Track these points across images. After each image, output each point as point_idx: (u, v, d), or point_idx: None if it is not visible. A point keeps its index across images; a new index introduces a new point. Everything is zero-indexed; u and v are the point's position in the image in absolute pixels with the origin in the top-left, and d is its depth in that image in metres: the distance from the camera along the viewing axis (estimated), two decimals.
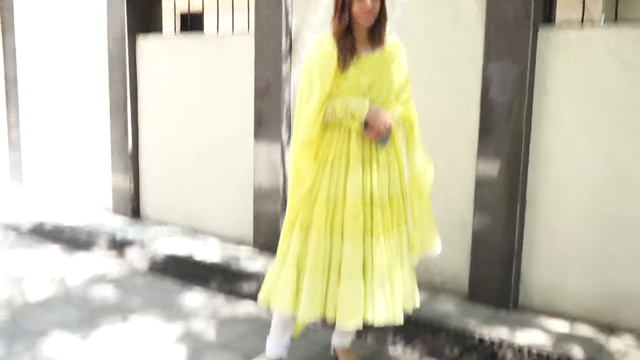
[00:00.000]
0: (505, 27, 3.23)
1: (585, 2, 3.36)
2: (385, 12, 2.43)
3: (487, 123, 3.34)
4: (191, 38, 4.80)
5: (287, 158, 4.28)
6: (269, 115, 4.28)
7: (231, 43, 4.55)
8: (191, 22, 5.09)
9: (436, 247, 2.59)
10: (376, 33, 2.43)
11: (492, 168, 3.33)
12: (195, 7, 5.31)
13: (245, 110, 4.49)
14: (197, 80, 4.77)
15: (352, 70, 2.38)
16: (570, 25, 3.20)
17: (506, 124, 3.27)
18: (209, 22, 5.58)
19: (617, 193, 3.09)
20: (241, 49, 4.46)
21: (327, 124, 2.40)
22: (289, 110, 4.27)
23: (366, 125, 2.37)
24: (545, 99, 3.24)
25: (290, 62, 4.21)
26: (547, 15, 3.32)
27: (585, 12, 3.45)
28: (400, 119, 2.47)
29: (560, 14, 4.83)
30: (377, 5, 2.38)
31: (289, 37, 4.17)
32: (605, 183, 3.11)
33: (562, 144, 3.22)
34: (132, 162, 5.28)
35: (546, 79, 3.22)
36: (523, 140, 3.25)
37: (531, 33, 3.17)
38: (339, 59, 2.37)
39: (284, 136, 4.27)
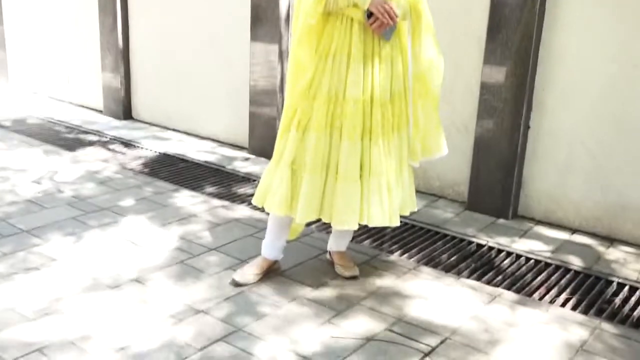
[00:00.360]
0: None
1: None
2: None
3: (496, 21, 3.14)
4: None
5: (285, 59, 4.09)
6: (266, 11, 4.04)
7: None
8: None
9: (442, 149, 2.48)
10: None
11: (499, 70, 3.17)
12: None
13: (242, 4, 4.24)
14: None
15: None
16: None
17: (517, 23, 3.08)
18: None
19: (625, 94, 2.96)
20: None
21: (328, 13, 2.25)
22: (288, 5, 4.02)
23: (369, 15, 2.22)
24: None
25: None
26: None
27: None
28: (406, 8, 2.30)
29: None
30: None
31: None
32: (612, 84, 2.98)
33: (571, 45, 3.05)
34: (122, 59, 5.07)
35: None
36: (533, 41, 3.07)
37: None
38: None
39: (284, 35, 4.05)
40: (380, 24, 2.22)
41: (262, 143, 4.28)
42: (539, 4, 3.02)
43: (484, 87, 3.24)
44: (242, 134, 4.49)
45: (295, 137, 2.30)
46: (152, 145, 4.51)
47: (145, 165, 4.07)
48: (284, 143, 2.35)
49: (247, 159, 4.27)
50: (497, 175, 3.29)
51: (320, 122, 2.26)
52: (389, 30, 2.24)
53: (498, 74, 3.17)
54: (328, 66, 2.27)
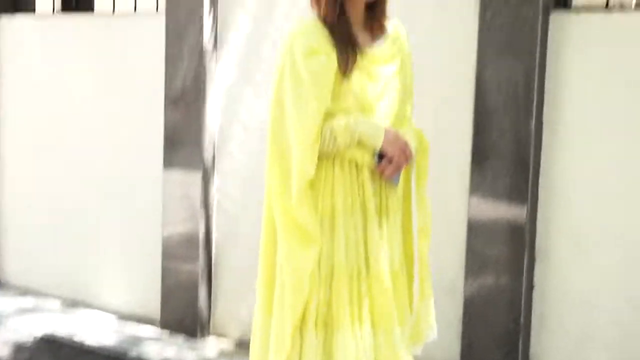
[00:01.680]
0: (505, 13, 3.57)
1: None
2: None
3: (482, 146, 3.64)
4: (76, 19, 5.09)
5: (211, 193, 4.55)
6: (186, 132, 4.53)
7: (132, 27, 4.84)
8: None
9: (433, 328, 2.82)
10: (377, 14, 2.59)
11: (490, 208, 3.63)
12: None
13: (152, 124, 4.70)
14: (83, 79, 5.03)
15: (356, 74, 2.51)
16: (592, 9, 3.56)
17: (508, 148, 3.58)
18: None
19: None
20: (146, 36, 4.74)
21: (321, 155, 2.48)
22: (214, 125, 4.54)
23: (381, 157, 2.52)
24: (561, 112, 3.56)
25: (217, 57, 4.50)
26: None
27: None
28: (417, 144, 2.67)
29: None
30: None
31: (214, 21, 4.48)
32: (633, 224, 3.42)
33: (584, 174, 3.53)
34: None
35: (561, 82, 3.54)
36: (531, 170, 3.55)
37: (540, 20, 3.51)
38: (339, 56, 2.48)
39: (207, 162, 4.53)
40: (395, 168, 2.53)
41: (179, 314, 4.58)
42: (535, 119, 3.56)
43: (472, 229, 3.69)
44: (151, 302, 4.77)
45: (318, 344, 2.45)
46: (27, 323, 4.72)
47: (16, 352, 4.29)
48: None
49: (158, 339, 4.52)
50: (495, 354, 3.64)
51: (346, 314, 2.45)
52: (398, 174, 2.57)
53: (489, 212, 3.63)
54: (339, 231, 2.49)
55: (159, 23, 4.64)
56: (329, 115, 2.47)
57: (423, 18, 3.83)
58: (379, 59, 2.58)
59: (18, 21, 5.34)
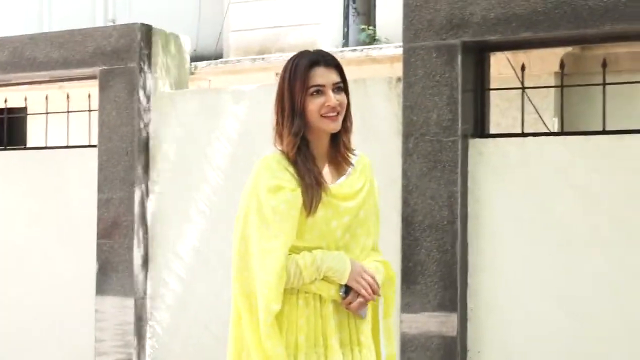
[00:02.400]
0: (427, 140, 3.77)
1: (525, 111, 3.98)
2: (350, 110, 2.58)
3: (410, 267, 3.78)
4: (8, 155, 5.13)
5: (144, 319, 4.55)
6: (119, 261, 4.58)
7: (65, 159, 4.92)
8: (9, 126, 5.45)
9: None
10: (340, 146, 2.58)
11: (421, 325, 3.73)
12: (16, 103, 5.67)
13: (85, 254, 4.75)
14: (15, 213, 5.06)
15: (321, 210, 2.50)
16: (508, 136, 3.79)
17: (436, 267, 3.73)
18: (34, 126, 5.96)
19: (584, 349, 3.54)
20: (79, 167, 4.82)
21: (286, 289, 2.46)
22: (146, 253, 4.61)
23: (347, 291, 2.52)
24: (484, 234, 3.74)
25: (147, 188, 4.61)
26: (481, 125, 3.90)
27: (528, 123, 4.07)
28: (383, 276, 2.63)
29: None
30: (343, 99, 2.52)
31: (144, 152, 4.62)
32: (569, 340, 3.57)
33: (508, 291, 3.69)
34: None
35: (482, 205, 3.74)
36: (459, 288, 3.69)
37: (460, 147, 3.72)
38: (303, 194, 2.48)
39: (139, 289, 4.57)
40: (361, 302, 2.52)
41: None
42: (460, 240, 3.71)
43: (405, 350, 3.77)
44: None
45: None
46: None
47: None
48: None
49: None
50: None
51: None
52: (366, 308, 2.58)
53: (421, 329, 3.73)
54: None
55: (92, 156, 4.73)
56: (294, 250, 2.48)
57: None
58: (344, 195, 2.55)
59: None
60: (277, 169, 2.50)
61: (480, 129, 3.89)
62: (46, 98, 4.99)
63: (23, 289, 5.05)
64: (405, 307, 3.78)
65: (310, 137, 2.54)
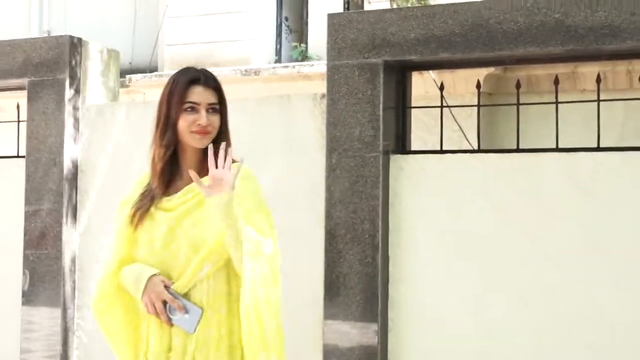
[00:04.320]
0: (350, 155, 3.80)
1: (445, 128, 4.03)
2: (227, 131, 2.66)
3: (333, 278, 3.80)
4: None
5: (74, 331, 4.49)
6: (47, 271, 4.50)
7: None
8: None
9: None
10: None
11: (343, 336, 3.75)
12: None
13: (12, 264, 4.67)
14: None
15: (147, 223, 2.60)
16: (428, 152, 3.84)
17: (358, 279, 3.75)
18: None
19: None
20: (7, 179, 4.73)
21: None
22: (73, 263, 4.54)
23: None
24: (404, 247, 3.77)
25: (76, 198, 4.54)
26: (402, 141, 3.95)
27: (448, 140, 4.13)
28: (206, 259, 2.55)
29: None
30: (216, 121, 2.59)
31: (74, 164, 4.55)
32: (485, 351, 3.62)
33: (427, 303, 3.72)
34: None
35: (403, 220, 3.78)
36: (380, 299, 3.72)
37: (381, 162, 3.75)
38: (133, 207, 2.63)
39: (68, 299, 4.50)
40: (154, 314, 2.55)
41: None
42: (381, 252, 3.74)
43: (327, 354, 3.78)
44: None
45: None
46: None
47: None
48: None
49: None
50: None
51: None
52: (189, 319, 2.52)
53: (343, 340, 3.75)
54: None
55: (19, 167, 4.65)
56: (131, 261, 2.65)
57: (273, 160, 4.02)
58: (169, 206, 2.60)
59: None
60: (139, 183, 2.72)
61: (402, 146, 3.94)
62: None
63: None
64: (329, 318, 3.79)
65: (180, 151, 2.62)
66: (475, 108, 6.35)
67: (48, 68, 4.52)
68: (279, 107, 4.12)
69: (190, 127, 2.55)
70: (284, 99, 4.12)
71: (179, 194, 2.62)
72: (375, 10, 3.89)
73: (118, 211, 2.72)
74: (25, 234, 4.58)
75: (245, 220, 2.54)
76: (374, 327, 3.72)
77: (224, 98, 2.67)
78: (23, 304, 4.57)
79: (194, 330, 2.53)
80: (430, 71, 5.51)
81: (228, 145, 2.58)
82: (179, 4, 8.65)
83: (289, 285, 3.97)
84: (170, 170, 2.64)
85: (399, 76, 3.94)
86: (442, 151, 3.84)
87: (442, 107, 3.93)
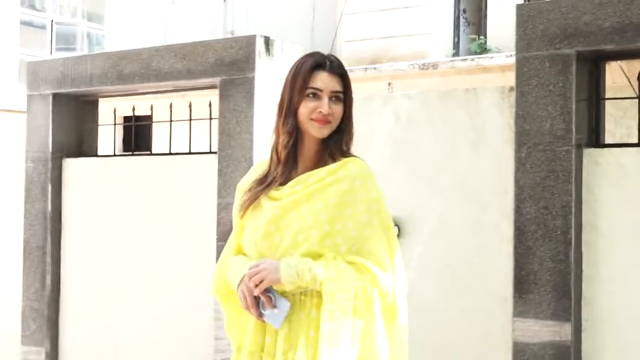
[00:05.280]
0: (540, 149, 3.66)
1: None
2: (350, 122, 2.51)
3: (523, 275, 3.67)
4: (135, 160, 5.27)
5: None
6: None
7: (187, 166, 5.01)
8: (136, 133, 5.59)
9: None
10: (326, 151, 2.48)
11: (534, 334, 3.62)
12: (142, 111, 5.80)
13: (207, 263, 4.77)
14: (143, 220, 5.15)
15: (253, 211, 2.51)
16: (624, 146, 3.63)
17: (549, 276, 3.60)
18: (159, 133, 6.11)
19: None
20: (201, 174, 4.90)
21: None
22: None
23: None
24: (599, 244, 3.60)
25: None
26: (596, 134, 3.76)
27: None
28: (313, 272, 2.36)
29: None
30: (339, 110, 2.46)
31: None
32: None
33: (624, 303, 3.53)
34: (49, 332, 5.54)
35: (598, 217, 3.59)
36: (573, 298, 3.56)
37: (574, 156, 3.59)
38: (245, 194, 2.55)
39: None
40: (245, 308, 2.48)
41: None
42: (574, 249, 3.58)
43: (518, 352, 3.66)
44: None
45: None
46: None
47: None
48: None
49: None
50: None
51: None
52: (277, 314, 2.41)
53: (535, 338, 3.62)
54: None
55: (212, 163, 4.78)
56: (241, 251, 2.62)
57: (460, 155, 3.94)
58: (277, 195, 2.48)
59: (81, 163, 5.51)
60: (255, 169, 2.63)
61: (595, 139, 3.75)
62: (170, 107, 5.09)
63: (148, 303, 5.15)
64: (518, 315, 3.67)
65: (299, 139, 2.47)
66: None
67: (238, 67, 4.63)
68: (465, 101, 4.02)
69: (310, 114, 2.43)
70: (469, 92, 4.02)
71: (289, 183, 2.49)
72: (568, 0, 3.71)
73: (236, 196, 2.63)
74: (217, 226, 4.71)
75: (355, 250, 2.42)
76: (567, 326, 3.56)
77: (349, 86, 2.53)
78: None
79: (280, 325, 2.42)
80: (619, 61, 5.26)
81: (350, 138, 2.51)
82: (356, 1, 8.69)
83: (477, 282, 3.91)
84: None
85: (591, 67, 3.75)
86: (639, 144, 3.62)
87: (639, 98, 3.70)
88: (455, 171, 3.97)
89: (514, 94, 3.77)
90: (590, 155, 3.63)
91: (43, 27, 22.63)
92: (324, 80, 2.46)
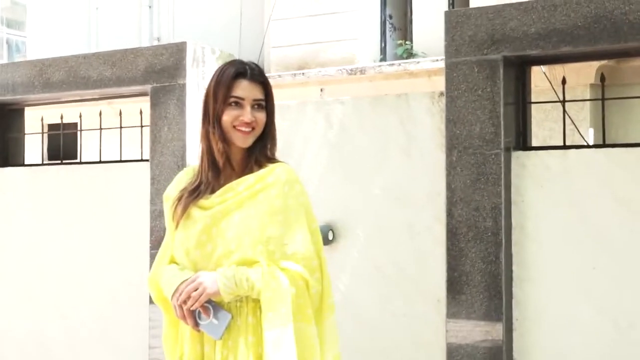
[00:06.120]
0: (470, 153, 3.73)
1: (565, 122, 3.91)
2: (273, 128, 2.54)
3: (456, 277, 3.73)
4: (64, 169, 5.16)
5: None
6: None
7: (119, 174, 4.93)
8: (64, 141, 5.48)
9: None
10: (252, 158, 2.51)
11: (467, 335, 3.68)
12: (68, 120, 5.69)
13: (140, 272, 4.72)
14: (74, 228, 5.06)
15: (185, 219, 2.50)
16: (550, 148, 3.73)
17: (480, 277, 3.67)
18: (86, 142, 5.99)
19: (629, 357, 3.47)
20: (133, 182, 4.83)
21: None
22: None
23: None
24: (527, 244, 3.68)
25: None
26: (523, 137, 3.85)
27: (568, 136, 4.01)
28: (251, 281, 2.39)
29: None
30: (261, 117, 2.49)
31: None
32: (612, 347, 3.49)
33: (553, 302, 3.62)
34: None
35: (526, 218, 3.68)
36: (504, 298, 3.63)
37: (503, 159, 3.67)
38: (173, 203, 2.54)
39: None
40: (182, 319, 2.47)
41: None
42: (504, 250, 3.65)
43: (451, 353, 3.72)
44: None
45: None
46: None
47: None
48: None
49: None
50: None
51: None
52: (217, 325, 2.41)
53: (466, 338, 3.68)
54: None
55: (145, 170, 4.73)
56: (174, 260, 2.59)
57: (392, 160, 4.00)
58: (206, 204, 2.49)
59: (8, 172, 5.38)
60: (180, 177, 2.62)
61: (522, 142, 3.84)
62: (100, 114, 5.01)
63: (78, 300, 5.07)
64: (452, 317, 3.73)
65: (226, 146, 2.51)
66: (587, 102, 6.20)
67: (169, 74, 4.59)
68: (396, 106, 4.08)
69: (233, 121, 2.46)
70: (401, 97, 4.08)
71: (218, 192, 2.51)
72: (494, 6, 3.78)
73: (164, 205, 2.64)
74: (151, 234, 4.67)
75: (287, 255, 2.46)
76: (499, 326, 3.64)
77: (271, 93, 2.56)
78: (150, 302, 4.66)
79: (220, 337, 2.43)
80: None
81: (273, 143, 2.55)
82: (283, 6, 8.70)
83: (411, 284, 3.96)
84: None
85: (518, 71, 3.85)
86: (565, 146, 3.72)
87: (564, 101, 3.81)
88: (388, 175, 4.02)
89: (444, 99, 3.84)
90: (518, 157, 3.72)
91: None
92: (245, 89, 2.49)
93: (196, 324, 2.46)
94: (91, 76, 4.85)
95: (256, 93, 2.51)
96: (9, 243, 5.35)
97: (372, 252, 4.04)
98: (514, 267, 3.71)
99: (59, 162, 5.26)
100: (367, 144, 4.09)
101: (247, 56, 9.96)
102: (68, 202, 5.09)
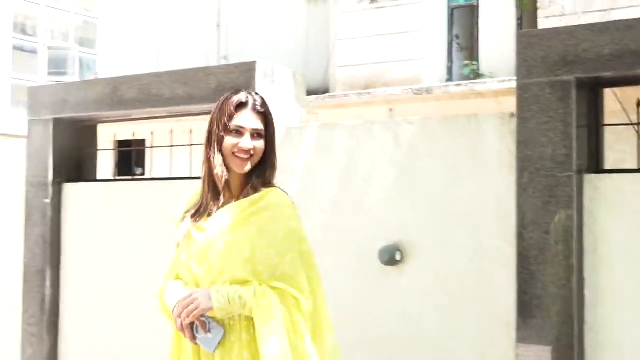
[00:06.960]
0: (542, 175, 3.68)
1: None
2: (273, 155, 2.69)
3: (526, 300, 3.68)
4: (136, 185, 5.26)
5: None
6: None
7: (188, 190, 4.98)
8: (130, 158, 5.59)
9: None
10: (252, 181, 2.65)
11: (537, 359, 3.63)
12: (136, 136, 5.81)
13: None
14: (143, 244, 5.12)
15: (185, 242, 2.70)
16: (624, 172, 3.66)
17: (552, 301, 3.61)
18: (154, 158, 6.11)
19: None
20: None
21: None
22: None
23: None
24: (600, 268, 3.61)
25: None
26: (596, 160, 3.79)
27: None
28: (243, 299, 2.52)
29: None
30: (260, 146, 2.63)
31: None
32: None
33: (627, 328, 3.54)
34: (48, 357, 5.49)
35: (599, 241, 3.61)
36: (576, 323, 3.57)
37: (575, 182, 3.61)
38: (177, 225, 2.75)
39: None
40: (191, 335, 2.61)
41: None
42: (576, 274, 3.59)
43: None
44: None
45: None
46: None
47: None
48: None
49: None
50: None
51: None
52: (211, 339, 2.57)
53: None
54: None
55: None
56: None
57: (461, 181, 3.96)
58: (204, 226, 2.65)
59: (81, 188, 5.49)
60: (189, 198, 2.81)
61: (595, 164, 3.78)
62: (171, 132, 5.10)
63: (148, 315, 5.11)
64: (522, 341, 3.67)
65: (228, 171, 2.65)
66: None
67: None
68: (466, 127, 4.05)
69: (232, 149, 2.59)
70: (470, 118, 4.04)
71: (215, 214, 2.67)
72: (567, 27, 3.74)
73: (172, 225, 2.83)
74: None
75: (276, 276, 2.58)
76: (570, 351, 3.57)
77: (271, 123, 2.70)
78: None
79: (214, 350, 2.57)
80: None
81: (272, 170, 2.68)
82: (350, 26, 8.74)
83: (479, 307, 3.91)
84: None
85: (591, 93, 3.80)
86: (639, 170, 3.64)
87: (638, 124, 3.74)
88: (457, 196, 3.98)
89: (514, 120, 3.80)
90: (591, 180, 3.66)
91: (34, 52, 22.68)
92: (246, 119, 2.63)
93: (193, 337, 2.62)
94: (163, 94, 4.93)
95: (256, 123, 2.65)
96: (81, 255, 5.45)
97: (439, 274, 4.01)
98: (586, 292, 3.64)
99: (130, 177, 5.35)
100: (436, 165, 4.07)
101: (313, 75, 10.06)
102: (138, 216, 5.17)
